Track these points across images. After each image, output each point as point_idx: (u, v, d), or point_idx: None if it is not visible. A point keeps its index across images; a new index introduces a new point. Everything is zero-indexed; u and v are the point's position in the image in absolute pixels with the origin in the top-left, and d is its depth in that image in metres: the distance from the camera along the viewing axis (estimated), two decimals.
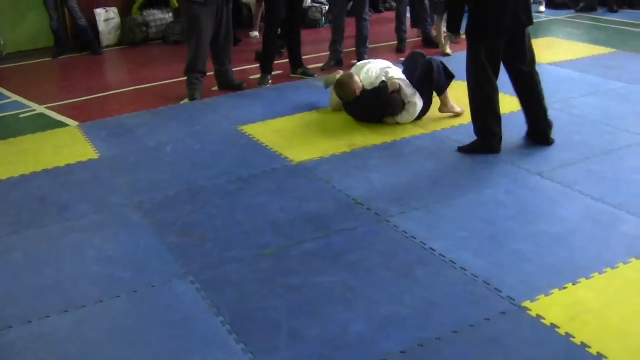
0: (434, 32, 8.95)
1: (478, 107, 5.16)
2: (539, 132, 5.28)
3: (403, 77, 5.94)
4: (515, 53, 5.07)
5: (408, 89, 5.82)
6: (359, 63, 6.41)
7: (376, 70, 6.03)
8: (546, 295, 3.36)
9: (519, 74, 5.16)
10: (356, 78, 5.95)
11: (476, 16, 4.97)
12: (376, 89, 5.87)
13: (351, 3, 8.80)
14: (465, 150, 5.22)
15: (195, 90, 7.03)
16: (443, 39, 8.53)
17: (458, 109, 5.93)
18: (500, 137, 5.16)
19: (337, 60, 8.00)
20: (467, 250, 3.83)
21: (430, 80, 5.89)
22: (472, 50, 5.07)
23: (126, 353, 3.17)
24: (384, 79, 5.88)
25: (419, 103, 5.84)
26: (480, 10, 4.93)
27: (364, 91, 5.91)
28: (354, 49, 8.08)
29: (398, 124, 5.84)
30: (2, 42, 10.01)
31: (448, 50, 8.31)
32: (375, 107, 5.86)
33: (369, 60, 6.43)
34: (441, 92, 5.95)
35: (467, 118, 5.69)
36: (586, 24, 10.05)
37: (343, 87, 5.95)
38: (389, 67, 6.05)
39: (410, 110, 5.83)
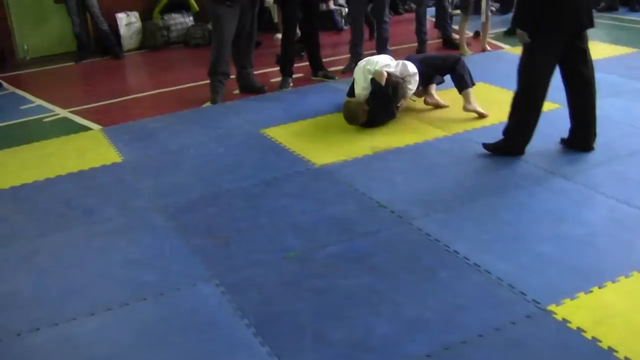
0: (455, 35, 8.93)
1: (521, 108, 5.01)
2: (584, 140, 5.15)
3: (385, 60, 6.04)
4: (577, 55, 4.93)
5: (396, 68, 5.94)
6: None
7: (361, 75, 6.04)
8: (572, 299, 3.35)
9: (580, 77, 4.98)
10: (350, 104, 5.95)
11: (537, 12, 4.74)
12: (373, 92, 5.89)
13: (370, 5, 8.78)
14: (489, 147, 5.18)
15: (217, 93, 7.07)
16: (464, 40, 8.53)
17: (482, 111, 5.91)
18: (525, 145, 5.09)
19: (357, 63, 7.98)
20: (491, 253, 3.82)
21: (448, 67, 6.07)
22: (528, 48, 4.90)
23: (152, 356, 3.19)
24: (370, 76, 5.92)
25: (413, 69, 5.95)
26: (542, 6, 4.72)
27: (368, 101, 5.90)
28: (375, 50, 8.08)
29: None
30: (25, 47, 10.11)
31: (467, 51, 8.32)
32: (386, 105, 5.90)
33: (357, 66, 6.33)
34: (462, 88, 5.97)
35: (489, 120, 5.72)
36: (607, 23, 9.97)
37: (353, 117, 5.92)
38: (368, 63, 6.08)
39: (412, 80, 5.95)
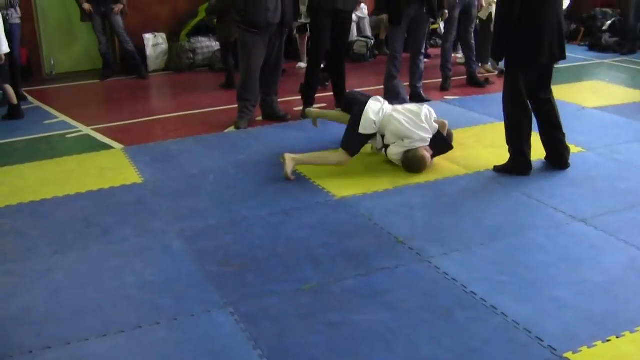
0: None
1: (513, 131, 5.47)
2: (560, 157, 5.61)
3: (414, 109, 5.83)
4: (541, 84, 5.46)
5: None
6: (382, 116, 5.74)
7: (409, 124, 5.64)
8: (589, 347, 3.31)
9: (541, 102, 5.49)
10: (426, 153, 5.64)
11: (519, 42, 5.18)
12: (441, 141, 5.79)
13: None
14: (499, 169, 5.58)
15: (243, 118, 7.11)
16: None
17: None
18: (530, 162, 5.50)
19: (396, 95, 7.81)
20: (508, 295, 3.78)
21: None
22: (510, 75, 5.41)
23: None
24: (436, 125, 5.74)
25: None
26: (519, 37, 5.16)
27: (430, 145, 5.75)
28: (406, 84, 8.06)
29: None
30: (52, 62, 10.21)
31: None
32: (442, 152, 5.87)
33: (379, 106, 5.81)
34: None
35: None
36: (632, 68, 9.96)
37: (422, 169, 5.65)
38: (424, 111, 5.78)
39: None
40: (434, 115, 5.77)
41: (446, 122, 5.89)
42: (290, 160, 5.56)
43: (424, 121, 5.66)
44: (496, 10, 5.31)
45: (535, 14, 5.11)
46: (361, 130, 5.64)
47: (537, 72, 5.38)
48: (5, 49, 7.50)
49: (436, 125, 5.74)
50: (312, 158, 5.77)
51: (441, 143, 5.79)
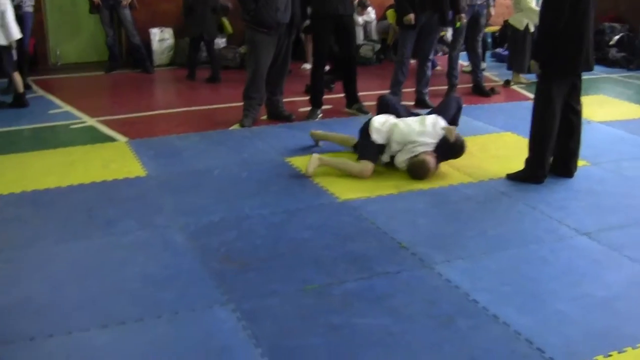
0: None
1: (538, 140, 5.50)
2: (568, 166, 5.70)
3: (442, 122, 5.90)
4: (575, 92, 5.55)
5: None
6: (381, 124, 5.87)
7: (420, 124, 5.78)
8: None
9: (573, 112, 5.57)
10: (428, 158, 5.62)
11: (557, 51, 5.27)
12: (441, 146, 5.75)
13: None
14: (513, 177, 5.63)
15: (248, 117, 7.11)
16: None
17: None
18: (546, 172, 5.57)
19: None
20: (510, 305, 3.77)
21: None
22: (544, 84, 5.45)
23: None
24: (442, 132, 5.76)
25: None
26: (563, 46, 5.24)
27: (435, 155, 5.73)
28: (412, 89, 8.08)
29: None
30: (58, 53, 10.21)
31: None
32: (447, 158, 5.85)
33: (384, 118, 5.96)
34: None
35: (514, 169, 5.66)
36: (639, 84, 9.96)
37: (424, 174, 5.63)
38: (430, 118, 5.89)
39: None
40: (441, 122, 5.81)
41: (453, 128, 5.88)
42: (315, 159, 5.61)
43: (428, 126, 5.75)
44: (542, 17, 5.34)
45: (577, 25, 5.19)
46: (372, 139, 5.74)
47: (571, 82, 5.48)
48: (17, 34, 7.51)
49: (442, 132, 5.76)
50: (337, 162, 5.73)
51: (446, 149, 5.78)
